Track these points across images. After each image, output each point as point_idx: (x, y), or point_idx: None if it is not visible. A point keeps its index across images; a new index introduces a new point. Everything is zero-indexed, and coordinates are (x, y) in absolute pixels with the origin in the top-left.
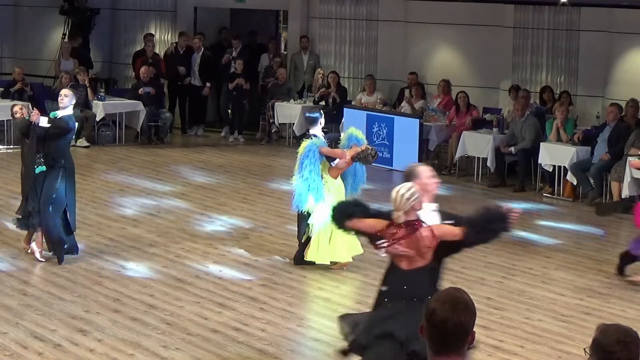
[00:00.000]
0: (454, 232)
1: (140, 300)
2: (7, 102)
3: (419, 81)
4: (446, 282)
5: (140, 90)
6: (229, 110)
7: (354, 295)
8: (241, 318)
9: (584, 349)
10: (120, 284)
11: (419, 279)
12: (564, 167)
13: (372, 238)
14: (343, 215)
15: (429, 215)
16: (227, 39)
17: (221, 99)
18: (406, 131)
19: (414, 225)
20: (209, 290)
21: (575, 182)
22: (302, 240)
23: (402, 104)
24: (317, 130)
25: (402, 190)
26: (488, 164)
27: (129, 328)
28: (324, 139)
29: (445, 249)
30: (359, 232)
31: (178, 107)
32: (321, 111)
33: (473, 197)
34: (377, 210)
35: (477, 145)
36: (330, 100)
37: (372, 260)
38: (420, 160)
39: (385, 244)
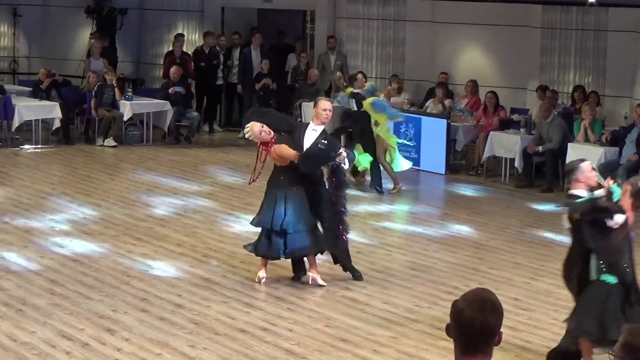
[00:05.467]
0: (288, 152)
1: (167, 299)
2: (36, 102)
3: (445, 81)
4: (473, 283)
5: (171, 90)
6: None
7: (380, 295)
8: (268, 318)
9: (609, 353)
10: (147, 284)
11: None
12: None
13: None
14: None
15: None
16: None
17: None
18: (433, 131)
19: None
20: (236, 290)
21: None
22: None
23: (427, 103)
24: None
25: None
26: (516, 164)
27: (157, 327)
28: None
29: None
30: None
31: (205, 107)
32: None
33: (500, 198)
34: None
35: (505, 145)
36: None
37: (400, 261)
38: (447, 160)
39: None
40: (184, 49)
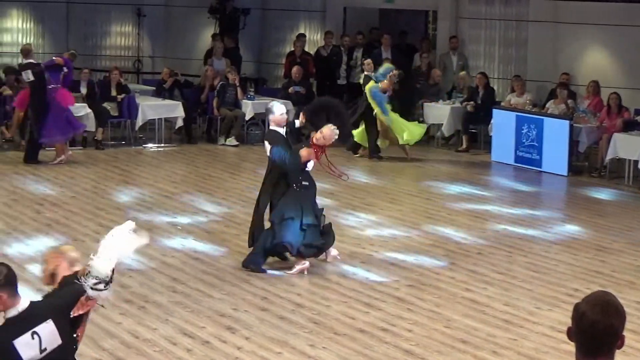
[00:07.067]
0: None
1: (287, 299)
2: (159, 101)
3: (566, 81)
4: (595, 286)
5: (291, 89)
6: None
7: (501, 297)
8: (388, 318)
9: None
10: (268, 283)
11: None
12: None
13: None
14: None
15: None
16: (377, 39)
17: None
18: (556, 132)
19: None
20: (355, 290)
21: None
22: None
23: (548, 104)
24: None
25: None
26: (639, 166)
27: (277, 326)
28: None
29: None
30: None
31: None
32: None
33: (623, 200)
34: (298, 144)
35: (628, 147)
36: (479, 100)
37: (521, 262)
38: (570, 162)
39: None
40: (306, 49)
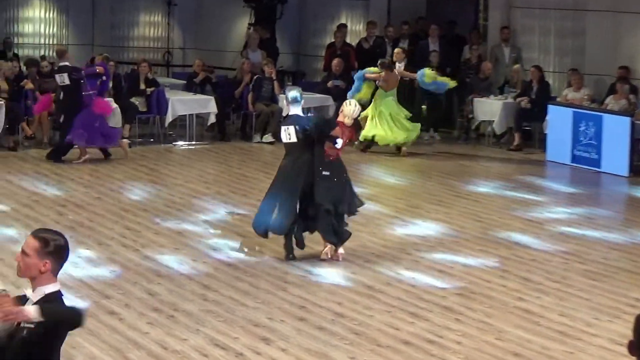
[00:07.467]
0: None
1: (327, 308)
2: (191, 95)
3: (626, 75)
4: None
5: (329, 84)
6: (423, 107)
7: (556, 307)
8: (435, 329)
9: None
10: (306, 291)
11: None
12: None
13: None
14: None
15: None
16: (424, 29)
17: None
18: (616, 130)
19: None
20: (400, 298)
21: None
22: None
23: (607, 100)
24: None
25: (355, 104)
26: None
27: (315, 337)
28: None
29: None
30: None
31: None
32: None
33: None
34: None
35: None
36: (533, 95)
37: (578, 269)
38: (631, 161)
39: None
40: (347, 40)
